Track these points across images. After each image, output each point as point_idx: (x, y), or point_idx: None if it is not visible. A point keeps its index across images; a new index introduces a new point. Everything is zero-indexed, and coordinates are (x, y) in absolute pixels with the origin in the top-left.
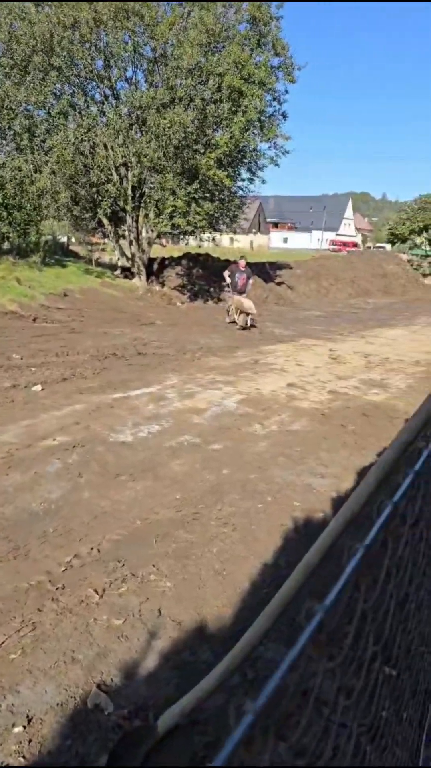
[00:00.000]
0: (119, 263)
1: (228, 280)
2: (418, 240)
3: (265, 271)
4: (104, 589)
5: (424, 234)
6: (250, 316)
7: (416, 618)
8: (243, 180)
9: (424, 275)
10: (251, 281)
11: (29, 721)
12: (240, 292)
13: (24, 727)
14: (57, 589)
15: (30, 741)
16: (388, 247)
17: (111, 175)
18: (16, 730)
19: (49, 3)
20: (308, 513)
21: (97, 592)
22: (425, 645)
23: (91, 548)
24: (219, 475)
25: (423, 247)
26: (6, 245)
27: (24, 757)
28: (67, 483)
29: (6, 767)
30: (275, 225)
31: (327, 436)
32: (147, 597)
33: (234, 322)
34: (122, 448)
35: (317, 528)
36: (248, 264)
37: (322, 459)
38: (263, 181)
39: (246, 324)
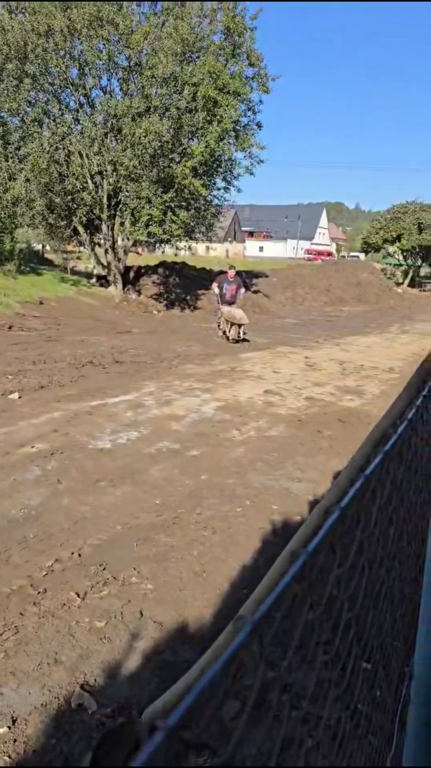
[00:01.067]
0: (95, 271)
1: (217, 291)
2: (391, 249)
3: (242, 279)
4: (86, 592)
5: (397, 243)
6: (242, 328)
7: (387, 600)
8: (219, 189)
9: (397, 284)
10: (242, 291)
11: (14, 721)
12: (230, 303)
13: (9, 727)
14: (39, 593)
15: (15, 741)
16: (362, 256)
17: (86, 183)
18: (1, 730)
19: (24, 9)
20: (286, 516)
21: (79, 596)
22: (395, 630)
23: (72, 553)
24: (198, 481)
25: (396, 257)
26: None
27: (9, 756)
28: (46, 489)
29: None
30: (251, 234)
31: (304, 442)
32: (129, 599)
33: (226, 335)
34: (101, 454)
35: (295, 531)
36: (238, 273)
37: (299, 464)
38: (239, 190)
39: (239, 336)
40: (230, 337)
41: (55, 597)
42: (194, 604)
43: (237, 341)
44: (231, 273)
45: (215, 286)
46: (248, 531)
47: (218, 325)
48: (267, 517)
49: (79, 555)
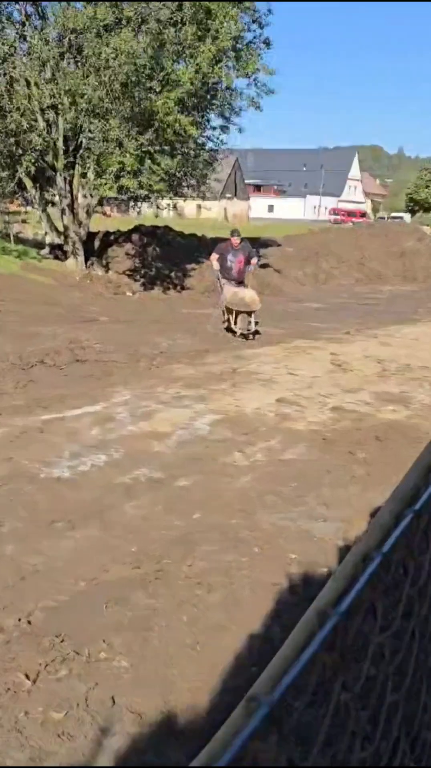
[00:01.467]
0: (47, 239)
1: (217, 265)
2: None
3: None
4: (38, 672)
5: None
6: (253, 316)
7: None
8: (214, 128)
9: None
10: (254, 262)
11: None
12: (237, 282)
13: None
14: None
15: None
16: (407, 217)
17: (35, 120)
18: None
19: None
20: (308, 567)
21: (28, 677)
22: None
23: (19, 619)
24: (189, 521)
25: None
26: None
27: None
28: None
29: None
30: (258, 188)
31: (331, 468)
32: (96, 681)
33: (230, 327)
34: (58, 486)
35: (320, 586)
36: (243, 240)
37: (325, 497)
38: (241, 130)
39: (249, 329)
40: (238, 331)
41: None
42: (185, 686)
43: (247, 337)
44: (235, 240)
45: (214, 258)
46: (257, 588)
47: (223, 314)
48: (282, 568)
49: (29, 622)
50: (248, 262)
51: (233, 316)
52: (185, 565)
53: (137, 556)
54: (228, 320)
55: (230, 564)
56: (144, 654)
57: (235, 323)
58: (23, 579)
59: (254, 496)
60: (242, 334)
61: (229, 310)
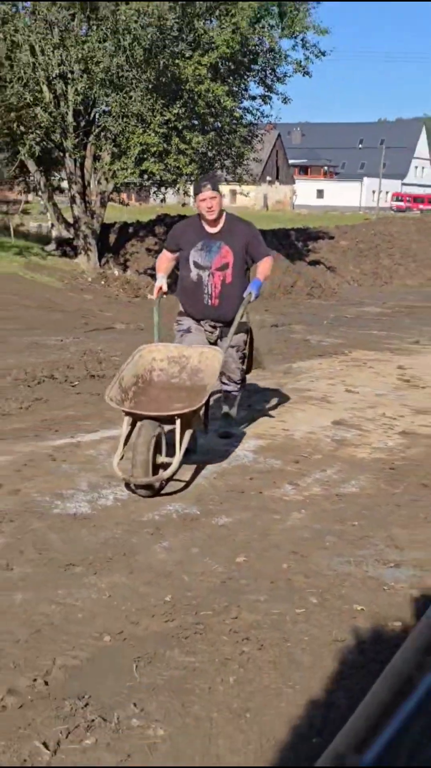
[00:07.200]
0: (54, 233)
1: (162, 280)
2: None
3: (290, 242)
4: (59, 741)
5: None
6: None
7: None
8: (253, 98)
9: None
10: (266, 268)
11: None
12: (215, 323)
13: None
14: None
15: None
16: None
17: (41, 92)
18: None
19: None
20: (378, 622)
21: (47, 747)
22: None
23: (35, 679)
24: (231, 565)
25: None
26: None
27: None
28: None
29: None
30: (305, 170)
31: (401, 503)
32: (128, 753)
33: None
34: (74, 523)
35: (393, 644)
36: (230, 216)
37: (395, 538)
38: (286, 100)
39: (153, 480)
40: (122, 476)
41: (9, 749)
42: (232, 760)
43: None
44: (209, 206)
45: (163, 264)
46: (316, 645)
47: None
48: (346, 622)
49: (46, 683)
50: (245, 268)
51: (127, 429)
52: (229, 618)
53: (171, 607)
54: (126, 438)
55: (283, 617)
56: (184, 721)
57: (124, 445)
58: (37, 632)
59: (308, 537)
60: (133, 484)
61: (126, 400)
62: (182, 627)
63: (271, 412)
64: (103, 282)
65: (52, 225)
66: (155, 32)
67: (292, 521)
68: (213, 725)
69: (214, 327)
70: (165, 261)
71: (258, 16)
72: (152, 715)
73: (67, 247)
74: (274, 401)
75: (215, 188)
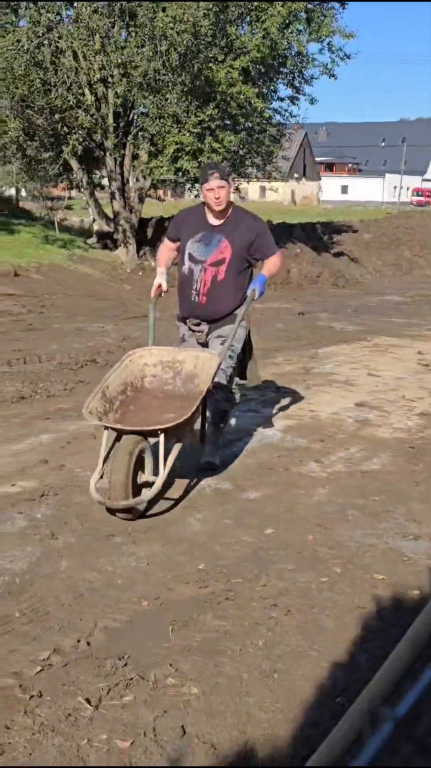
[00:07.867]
0: (95, 227)
1: (162, 276)
2: None
3: (316, 236)
4: (101, 698)
5: None
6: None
7: None
8: (282, 99)
9: None
10: (276, 264)
11: None
12: (212, 322)
13: None
14: (31, 697)
15: None
16: None
17: (83, 95)
18: None
19: None
20: (398, 590)
21: (90, 702)
22: None
23: (78, 640)
24: (260, 536)
25: None
26: None
27: None
28: (36, 547)
29: None
30: (330, 167)
31: (420, 480)
32: (164, 709)
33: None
34: None
35: (412, 611)
36: (236, 208)
37: (414, 512)
38: (313, 101)
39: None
40: (98, 499)
41: (55, 703)
42: (262, 716)
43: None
44: (216, 196)
45: (163, 255)
46: (340, 611)
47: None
48: (368, 590)
49: (88, 644)
50: (244, 266)
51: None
52: (259, 585)
53: (205, 575)
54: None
55: (309, 585)
56: (216, 681)
57: (103, 463)
58: (80, 597)
59: (333, 511)
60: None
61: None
62: (215, 593)
63: (298, 395)
64: (141, 273)
65: (94, 219)
66: (190, 38)
67: (317, 496)
68: (243, 684)
69: (197, 325)
70: (166, 251)
71: (287, 21)
72: (187, 675)
73: (107, 240)
74: (301, 384)
75: (224, 177)
